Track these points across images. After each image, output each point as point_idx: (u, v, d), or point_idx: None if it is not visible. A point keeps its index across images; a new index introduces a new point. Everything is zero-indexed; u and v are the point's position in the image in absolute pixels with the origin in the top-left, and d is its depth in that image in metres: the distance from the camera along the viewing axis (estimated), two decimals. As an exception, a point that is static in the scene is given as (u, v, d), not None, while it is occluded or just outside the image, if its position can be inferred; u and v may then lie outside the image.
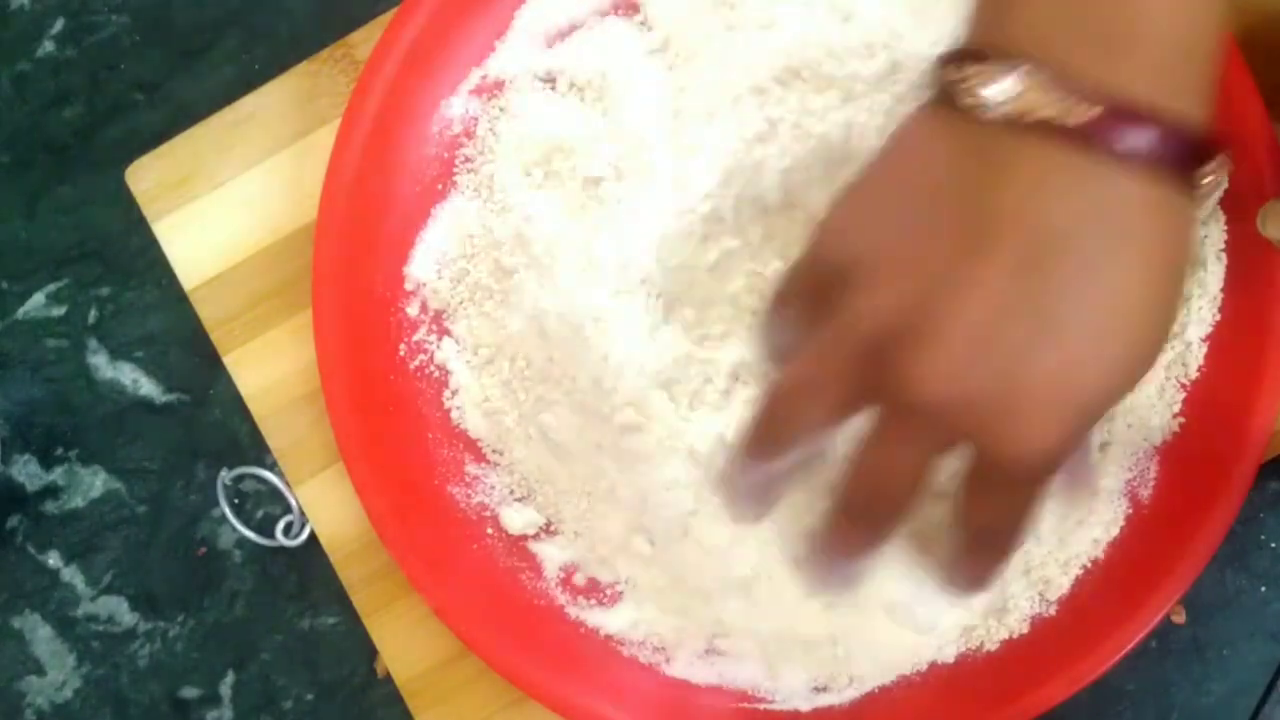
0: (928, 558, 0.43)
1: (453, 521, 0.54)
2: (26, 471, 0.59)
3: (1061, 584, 0.52)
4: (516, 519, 0.54)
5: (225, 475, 0.56)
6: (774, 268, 0.51)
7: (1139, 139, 0.33)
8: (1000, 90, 0.34)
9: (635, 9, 0.54)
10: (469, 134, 0.54)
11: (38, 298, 0.59)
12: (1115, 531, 0.52)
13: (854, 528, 0.38)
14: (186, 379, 0.58)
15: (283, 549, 0.56)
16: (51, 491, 0.59)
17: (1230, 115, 0.50)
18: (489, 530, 0.54)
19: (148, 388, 0.59)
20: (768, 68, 0.50)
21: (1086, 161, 0.33)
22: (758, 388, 0.50)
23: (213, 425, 0.58)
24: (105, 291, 0.59)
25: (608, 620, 0.53)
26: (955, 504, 0.37)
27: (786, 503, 0.41)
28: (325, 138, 0.54)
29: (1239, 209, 0.50)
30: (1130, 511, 0.52)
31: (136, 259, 0.58)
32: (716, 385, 0.51)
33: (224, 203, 0.55)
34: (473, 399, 0.54)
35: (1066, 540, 0.51)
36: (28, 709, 0.58)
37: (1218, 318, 0.51)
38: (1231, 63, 0.50)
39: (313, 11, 0.59)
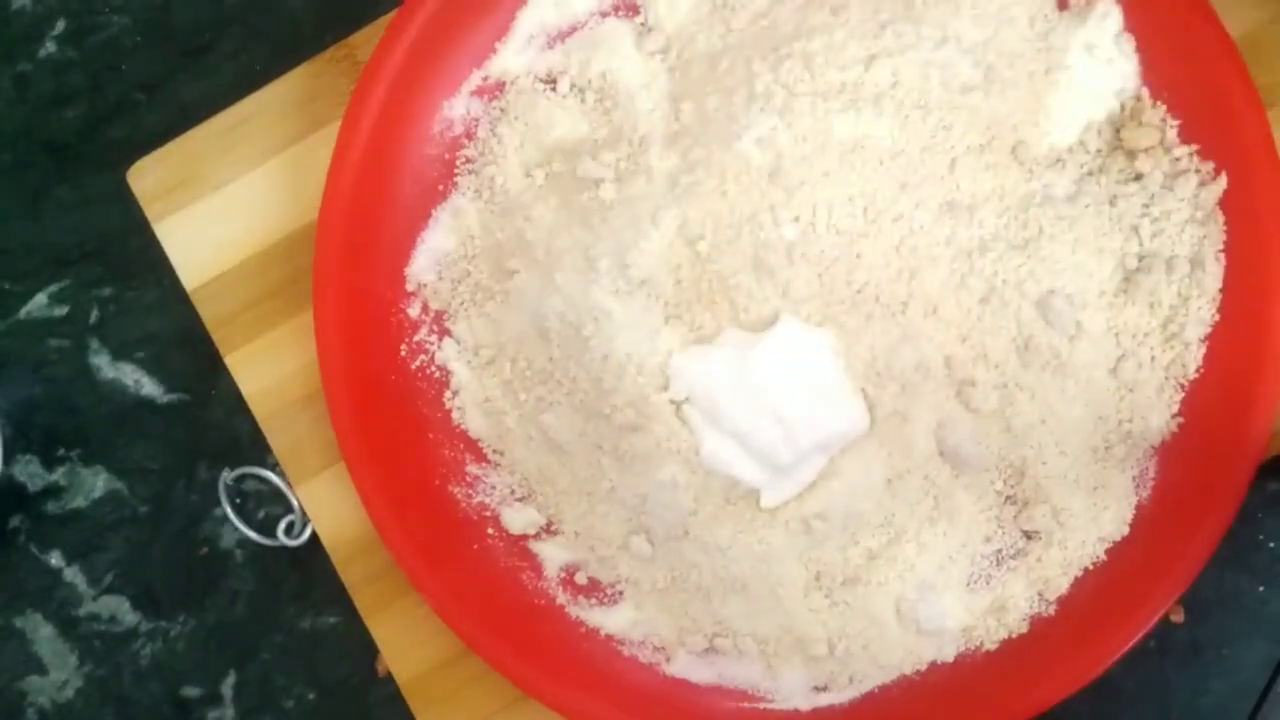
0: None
1: (453, 521, 0.54)
2: (28, 471, 0.59)
3: (1061, 584, 0.52)
4: (517, 519, 0.54)
5: (227, 475, 0.56)
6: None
7: None
8: None
9: (635, 10, 0.54)
10: (470, 135, 0.54)
11: (40, 298, 0.59)
12: (1115, 531, 0.52)
13: None
14: (188, 379, 0.59)
15: (284, 549, 0.56)
16: (53, 491, 0.59)
17: (1230, 116, 0.50)
18: (490, 530, 0.54)
19: (149, 388, 0.59)
20: (769, 70, 0.50)
21: None
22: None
23: (214, 425, 0.58)
24: (107, 292, 0.59)
25: (608, 620, 0.53)
26: None
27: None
28: (326, 139, 0.54)
29: (1239, 209, 0.50)
30: (1130, 512, 0.52)
31: (138, 259, 0.59)
32: (717, 386, 0.51)
33: (225, 203, 0.55)
34: (473, 399, 0.54)
35: (1066, 541, 0.51)
36: (29, 709, 0.58)
37: (1217, 318, 0.51)
38: (1231, 62, 0.50)
39: (313, 12, 0.59)
